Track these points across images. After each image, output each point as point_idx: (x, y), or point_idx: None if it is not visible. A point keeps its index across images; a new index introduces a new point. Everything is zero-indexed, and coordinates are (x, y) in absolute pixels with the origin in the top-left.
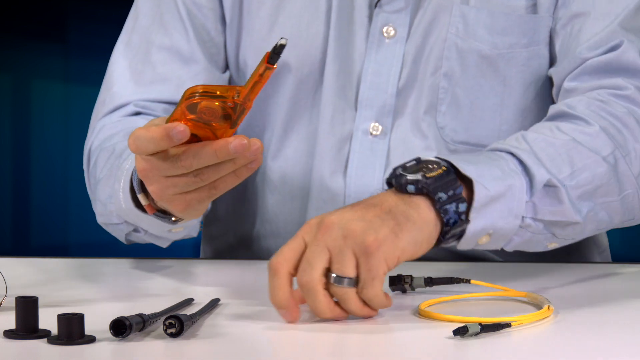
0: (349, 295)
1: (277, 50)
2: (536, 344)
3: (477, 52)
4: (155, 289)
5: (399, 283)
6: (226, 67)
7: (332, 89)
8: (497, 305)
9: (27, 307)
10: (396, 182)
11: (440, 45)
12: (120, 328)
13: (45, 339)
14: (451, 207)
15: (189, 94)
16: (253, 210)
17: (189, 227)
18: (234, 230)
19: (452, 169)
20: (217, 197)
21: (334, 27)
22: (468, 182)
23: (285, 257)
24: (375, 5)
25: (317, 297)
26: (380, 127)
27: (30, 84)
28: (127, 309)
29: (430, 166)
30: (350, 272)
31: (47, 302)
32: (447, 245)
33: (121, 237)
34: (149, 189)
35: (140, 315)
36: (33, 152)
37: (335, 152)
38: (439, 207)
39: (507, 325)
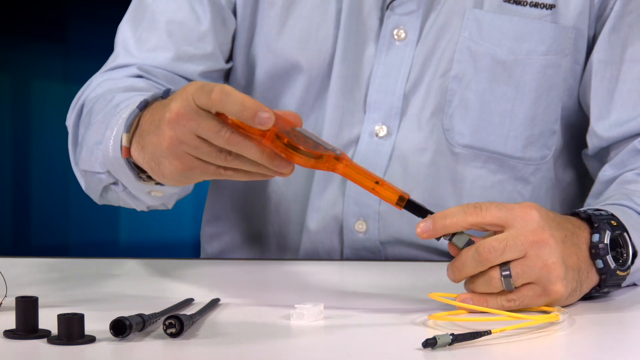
0: (496, 290)
1: (418, 208)
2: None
3: (492, 56)
4: (155, 289)
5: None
6: (229, 59)
7: (339, 92)
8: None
9: (27, 307)
10: (606, 264)
11: (452, 48)
12: (120, 328)
13: (45, 339)
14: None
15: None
16: (256, 210)
17: (167, 195)
18: (236, 230)
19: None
20: (216, 179)
21: (344, 30)
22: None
23: (487, 213)
24: (387, 8)
25: (478, 267)
26: (385, 128)
27: (30, 84)
28: (127, 309)
29: (625, 254)
30: (518, 284)
31: (47, 302)
32: None
33: (97, 192)
34: (167, 133)
35: (140, 315)
36: (33, 152)
37: None
38: (596, 292)
39: (486, 333)
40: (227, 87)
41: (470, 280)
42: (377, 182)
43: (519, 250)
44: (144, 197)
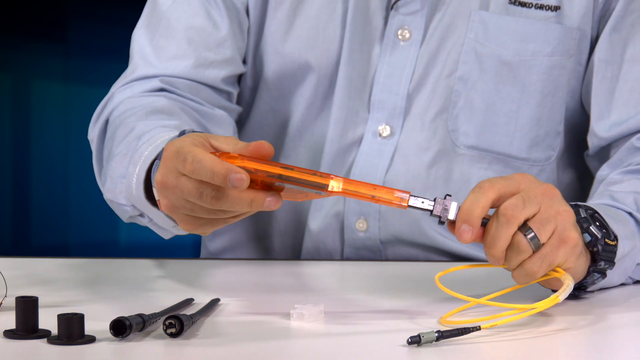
0: (527, 253)
1: (423, 206)
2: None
3: (498, 57)
4: (155, 289)
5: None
6: (244, 61)
7: (345, 92)
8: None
9: (27, 307)
10: (596, 241)
11: (458, 49)
12: (120, 328)
13: (45, 339)
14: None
15: (284, 166)
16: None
17: None
18: (240, 229)
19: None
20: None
21: (350, 30)
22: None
23: (495, 184)
24: (391, 8)
25: (509, 229)
26: (389, 128)
27: (30, 84)
28: (127, 309)
29: (612, 240)
30: (544, 240)
31: (47, 302)
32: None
33: (123, 217)
34: (162, 201)
35: (140, 315)
36: (33, 152)
37: (343, 153)
38: (594, 269)
39: (475, 329)
40: (199, 154)
41: (513, 273)
42: (374, 188)
43: (536, 203)
44: (170, 229)
